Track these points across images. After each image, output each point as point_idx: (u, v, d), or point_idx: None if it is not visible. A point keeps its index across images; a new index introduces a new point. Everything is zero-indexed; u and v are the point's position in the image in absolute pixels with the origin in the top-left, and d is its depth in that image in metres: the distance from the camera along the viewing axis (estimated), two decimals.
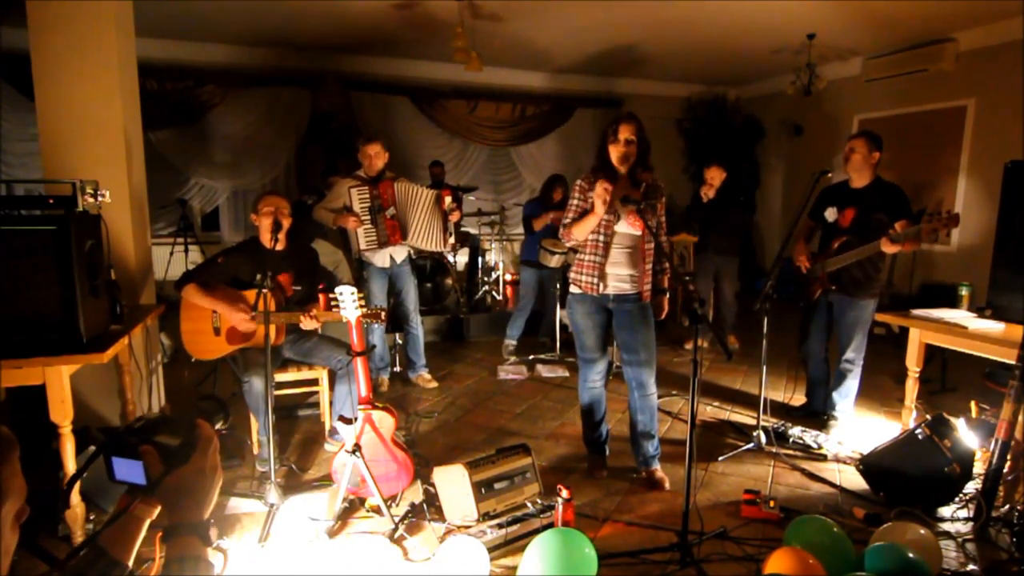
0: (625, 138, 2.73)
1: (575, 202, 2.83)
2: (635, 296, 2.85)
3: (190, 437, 0.98)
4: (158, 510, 0.98)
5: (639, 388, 2.88)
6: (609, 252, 2.79)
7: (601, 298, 2.85)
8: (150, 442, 0.96)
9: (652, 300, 2.90)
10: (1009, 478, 2.56)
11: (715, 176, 5.01)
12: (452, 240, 4.13)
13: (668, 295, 3.01)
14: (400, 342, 4.51)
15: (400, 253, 4.12)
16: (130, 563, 0.95)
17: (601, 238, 2.78)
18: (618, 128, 2.74)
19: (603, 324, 2.92)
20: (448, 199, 3.94)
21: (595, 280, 2.80)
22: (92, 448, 1.95)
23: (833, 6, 5.06)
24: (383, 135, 4.91)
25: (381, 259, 4.04)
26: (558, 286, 5.03)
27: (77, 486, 2.29)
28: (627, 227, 2.77)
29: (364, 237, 3.91)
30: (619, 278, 2.82)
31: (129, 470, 0.95)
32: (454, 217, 4.02)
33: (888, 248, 3.15)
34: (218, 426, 1.10)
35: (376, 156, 3.88)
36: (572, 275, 2.91)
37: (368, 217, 3.88)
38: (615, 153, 2.75)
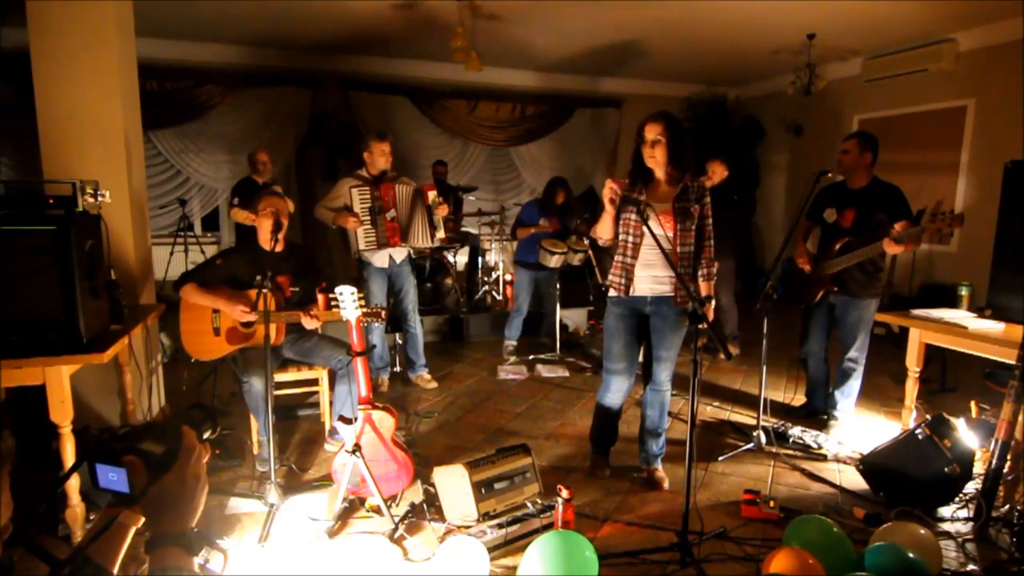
0: (651, 139, 2.65)
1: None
2: (673, 299, 2.75)
3: (173, 445, 0.96)
4: (143, 519, 0.97)
5: (652, 383, 2.89)
6: (638, 253, 2.73)
7: (635, 300, 2.78)
8: (134, 450, 0.94)
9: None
10: (1009, 478, 2.56)
11: (716, 171, 4.89)
12: (440, 235, 4.05)
13: (712, 303, 2.79)
14: (400, 342, 4.51)
15: (400, 253, 4.11)
16: (115, 570, 0.94)
17: (629, 239, 2.73)
18: (642, 128, 2.68)
19: (633, 330, 2.83)
20: (431, 194, 3.93)
21: (622, 280, 2.77)
22: None
23: (833, 6, 5.05)
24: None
25: (380, 259, 4.03)
26: (558, 287, 5.03)
27: (77, 486, 2.29)
28: (657, 228, 2.65)
29: (363, 238, 3.90)
30: (656, 280, 2.75)
31: (113, 478, 0.94)
32: (441, 212, 3.99)
33: (891, 249, 3.15)
34: (206, 436, 1.07)
35: (384, 155, 3.89)
36: (610, 277, 2.87)
37: (368, 218, 3.88)
38: (644, 154, 2.69)
